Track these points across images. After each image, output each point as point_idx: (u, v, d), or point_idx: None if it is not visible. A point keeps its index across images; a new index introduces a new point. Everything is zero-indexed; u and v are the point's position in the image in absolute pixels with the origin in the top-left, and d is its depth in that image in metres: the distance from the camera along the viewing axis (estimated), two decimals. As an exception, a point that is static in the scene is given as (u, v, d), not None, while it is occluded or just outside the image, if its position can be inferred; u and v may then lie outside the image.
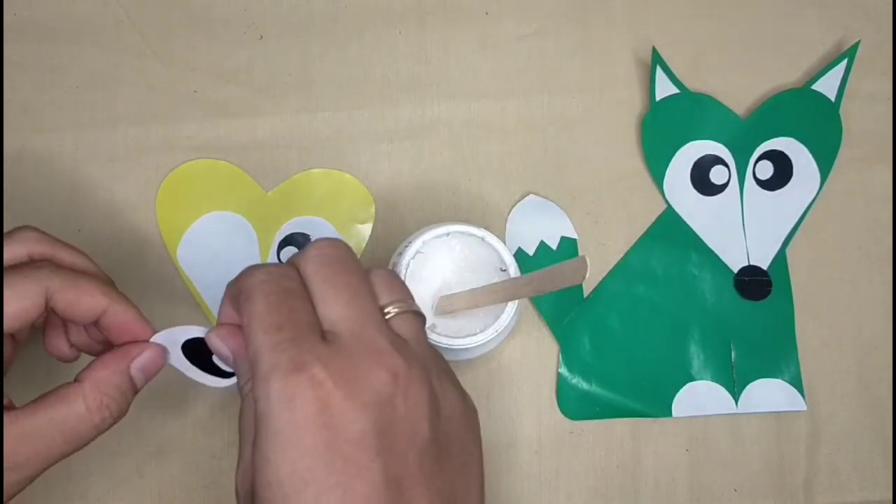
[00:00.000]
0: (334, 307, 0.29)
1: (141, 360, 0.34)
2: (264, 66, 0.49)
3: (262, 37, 0.50)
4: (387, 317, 0.31)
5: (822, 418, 0.47)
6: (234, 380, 0.35)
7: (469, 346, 0.40)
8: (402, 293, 0.32)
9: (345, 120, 0.49)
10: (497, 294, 0.40)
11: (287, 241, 0.48)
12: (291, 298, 0.29)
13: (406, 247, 0.42)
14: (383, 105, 0.49)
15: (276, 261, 0.47)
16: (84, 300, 0.34)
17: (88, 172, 0.48)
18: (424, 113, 0.49)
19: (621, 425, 0.47)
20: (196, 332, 0.35)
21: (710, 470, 0.47)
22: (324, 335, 0.29)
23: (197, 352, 0.35)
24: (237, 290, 0.30)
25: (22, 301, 0.33)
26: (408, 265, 0.41)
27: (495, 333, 0.41)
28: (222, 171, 0.48)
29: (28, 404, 0.33)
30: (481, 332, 0.41)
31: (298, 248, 0.47)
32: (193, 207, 0.48)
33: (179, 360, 0.36)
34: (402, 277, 0.41)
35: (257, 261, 0.47)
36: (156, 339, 0.35)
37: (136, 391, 0.35)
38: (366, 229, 0.48)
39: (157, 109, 0.49)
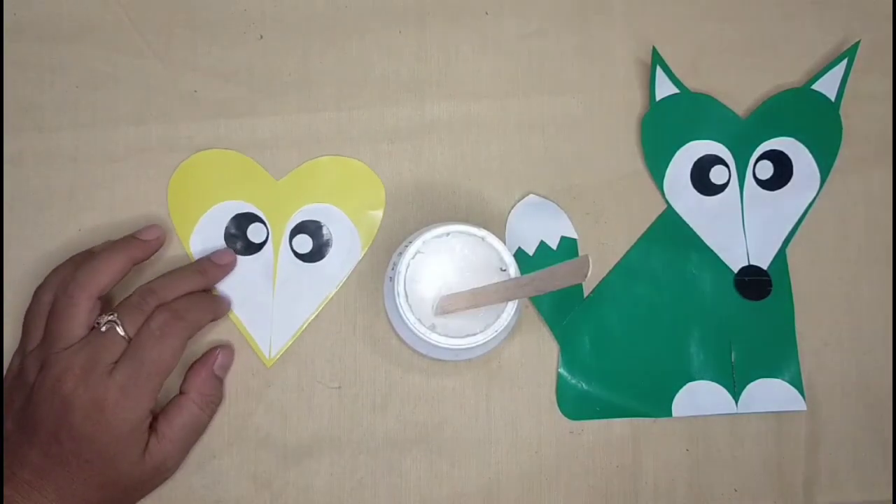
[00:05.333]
0: None
1: (219, 361, 0.45)
2: (264, 66, 0.49)
3: (262, 37, 0.50)
4: None
5: (822, 418, 0.47)
6: None
7: (469, 346, 0.40)
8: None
9: (345, 120, 0.49)
10: (497, 294, 0.40)
11: (299, 229, 0.48)
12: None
13: (406, 247, 0.42)
14: (383, 105, 0.49)
15: (288, 251, 0.48)
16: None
17: (88, 172, 0.48)
18: (424, 113, 0.49)
19: (621, 425, 0.47)
20: None
21: (710, 470, 0.47)
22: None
23: None
24: None
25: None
26: (408, 265, 0.41)
27: (495, 333, 0.41)
28: (232, 160, 0.48)
29: (159, 419, 0.43)
30: (481, 332, 0.41)
31: (311, 237, 0.48)
32: (205, 197, 0.48)
33: None
34: (402, 277, 0.41)
35: (269, 251, 0.48)
36: None
37: (222, 381, 0.46)
38: (378, 214, 0.48)
39: (157, 109, 0.49)
